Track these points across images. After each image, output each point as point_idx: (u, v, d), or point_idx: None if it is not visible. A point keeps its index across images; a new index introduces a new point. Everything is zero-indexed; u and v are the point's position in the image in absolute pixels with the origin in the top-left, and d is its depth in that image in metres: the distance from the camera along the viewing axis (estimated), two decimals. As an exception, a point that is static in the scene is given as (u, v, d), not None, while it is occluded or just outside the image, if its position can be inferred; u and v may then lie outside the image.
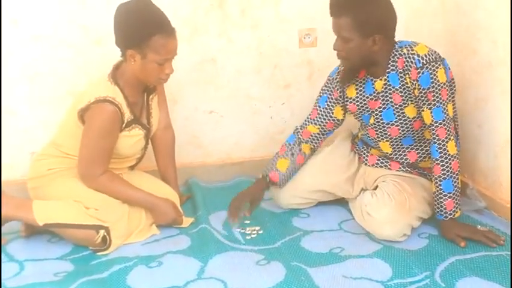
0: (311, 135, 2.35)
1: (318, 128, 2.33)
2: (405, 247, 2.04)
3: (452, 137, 2.05)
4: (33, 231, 2.24)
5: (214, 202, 2.49)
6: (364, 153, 2.37)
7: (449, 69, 2.12)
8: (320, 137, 2.36)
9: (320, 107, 2.32)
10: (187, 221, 2.33)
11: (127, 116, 2.17)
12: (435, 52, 2.07)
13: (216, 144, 2.85)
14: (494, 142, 2.24)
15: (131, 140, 2.22)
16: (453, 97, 2.13)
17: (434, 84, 2.02)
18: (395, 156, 2.25)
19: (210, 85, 2.77)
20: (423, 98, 2.04)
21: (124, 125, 2.17)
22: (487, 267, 1.88)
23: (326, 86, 2.33)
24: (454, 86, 2.15)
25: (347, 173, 2.36)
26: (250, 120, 2.85)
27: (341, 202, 2.41)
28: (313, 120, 2.34)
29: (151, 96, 2.32)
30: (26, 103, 2.62)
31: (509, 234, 2.08)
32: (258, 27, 2.74)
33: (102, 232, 2.10)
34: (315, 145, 2.38)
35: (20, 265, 2.06)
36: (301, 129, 2.37)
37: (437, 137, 2.04)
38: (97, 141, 2.12)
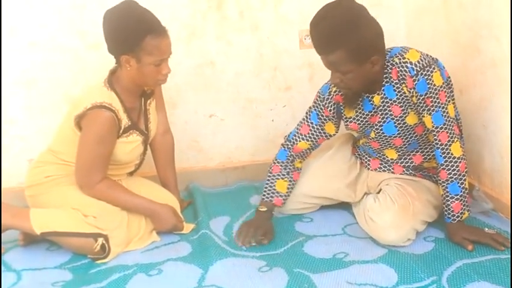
0: (302, 151, 2.30)
1: (310, 144, 2.28)
2: (411, 251, 2.00)
3: (455, 139, 2.00)
4: (31, 240, 2.21)
5: (216, 207, 2.46)
6: (366, 158, 2.33)
7: (444, 68, 2.07)
8: (311, 151, 2.32)
9: (312, 123, 2.25)
10: (188, 227, 2.29)
11: (124, 121, 2.14)
12: (427, 55, 2.01)
13: (217, 148, 2.82)
14: (500, 142, 2.20)
15: (129, 146, 2.19)
16: (452, 96, 2.09)
17: (431, 89, 1.96)
18: (399, 161, 2.21)
19: (210, 88, 2.74)
20: (422, 104, 1.99)
21: (121, 131, 2.14)
22: (495, 271, 1.83)
23: (316, 103, 2.24)
24: (452, 85, 2.10)
25: (348, 177, 2.32)
26: (251, 124, 2.82)
27: (345, 206, 2.36)
28: (305, 136, 2.27)
29: (148, 101, 2.29)
30: (24, 110, 2.61)
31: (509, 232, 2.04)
32: (258, 28, 2.71)
33: (101, 240, 2.07)
34: (306, 158, 2.35)
35: (17, 275, 2.03)
36: (291, 144, 2.29)
37: (439, 142, 2.00)
38: (94, 148, 2.09)
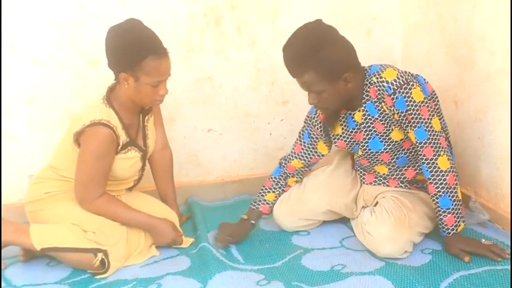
0: (296, 170, 2.36)
1: (303, 163, 2.34)
2: (408, 263, 2.00)
3: (442, 152, 2.00)
4: (32, 256, 2.22)
5: (215, 221, 2.46)
6: (361, 172, 2.34)
7: (427, 82, 2.09)
8: (305, 170, 2.38)
9: (304, 142, 2.31)
10: (187, 241, 2.30)
11: (123, 138, 2.16)
12: (405, 72, 2.03)
13: (216, 162, 2.83)
14: (496, 154, 2.21)
15: (127, 163, 2.21)
16: (437, 109, 2.10)
17: (410, 106, 1.97)
18: (392, 176, 2.23)
19: (208, 103, 2.76)
20: (404, 121, 2.01)
21: (119, 148, 2.15)
22: (492, 283, 1.84)
23: (306, 122, 2.31)
24: (437, 98, 2.12)
25: (352, 191, 2.34)
26: (249, 138, 2.84)
27: (342, 219, 2.37)
28: (298, 155, 2.33)
29: (146, 117, 2.31)
30: (24, 126, 2.61)
31: (510, 245, 2.05)
32: (255, 44, 2.74)
33: (100, 255, 2.07)
34: (300, 177, 2.39)
35: (17, 291, 2.03)
36: (285, 163, 2.35)
37: (424, 157, 2.01)
38: (92, 165, 2.10)
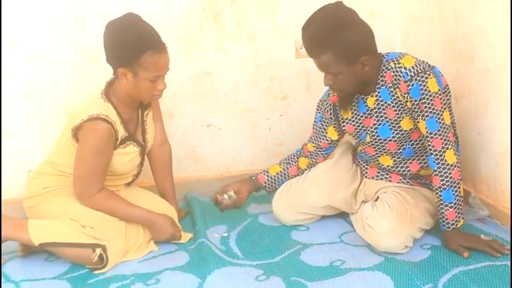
0: (309, 152, 2.38)
1: (314, 147, 2.35)
2: (407, 259, 2.00)
3: (450, 146, 2.01)
4: (30, 251, 2.22)
5: (213, 216, 2.46)
6: (363, 166, 2.34)
7: (442, 76, 2.09)
8: (317, 155, 2.38)
9: (316, 125, 2.34)
10: (185, 237, 2.30)
11: (121, 133, 2.15)
12: (423, 62, 2.03)
13: (215, 157, 2.83)
14: (496, 149, 2.21)
15: (126, 158, 2.20)
16: (449, 103, 2.10)
17: (425, 95, 1.98)
18: (396, 169, 2.22)
19: (207, 98, 2.75)
20: (416, 110, 2.01)
21: (118, 143, 2.15)
22: (491, 278, 1.84)
23: (319, 106, 2.33)
24: (449, 93, 2.12)
25: (352, 186, 2.33)
26: (248, 133, 2.83)
27: (341, 214, 2.37)
28: (312, 138, 2.37)
29: (145, 112, 2.30)
30: (23, 122, 2.61)
31: (509, 240, 2.05)
32: (254, 39, 2.73)
33: (99, 250, 2.07)
34: (313, 161, 2.39)
35: (16, 286, 2.03)
36: (304, 145, 2.40)
37: (433, 148, 2.01)
38: (91, 160, 2.10)
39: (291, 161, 2.39)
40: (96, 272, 2.08)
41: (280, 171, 2.38)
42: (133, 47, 2.02)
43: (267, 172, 2.38)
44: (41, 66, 2.57)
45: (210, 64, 2.72)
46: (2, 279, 2.07)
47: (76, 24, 2.55)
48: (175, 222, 2.30)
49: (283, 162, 2.40)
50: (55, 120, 2.55)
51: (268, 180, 2.37)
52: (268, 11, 2.72)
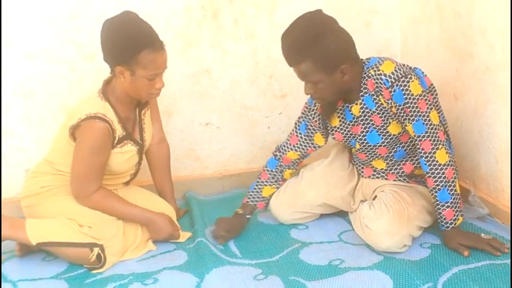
0: (291, 161, 2.33)
1: (298, 154, 2.32)
2: (407, 258, 1.99)
3: (440, 146, 1.99)
4: (28, 251, 2.21)
5: (212, 215, 2.45)
6: (359, 166, 2.32)
7: (425, 75, 2.08)
8: (300, 161, 2.36)
9: (300, 134, 2.29)
10: (184, 236, 2.29)
11: (119, 132, 2.14)
12: (403, 65, 2.02)
13: (213, 156, 2.82)
14: (495, 147, 2.20)
15: (123, 157, 2.19)
16: (436, 102, 2.09)
17: (408, 99, 1.96)
18: (390, 171, 2.21)
19: (206, 97, 2.74)
20: (402, 114, 2.00)
21: (115, 142, 2.14)
22: (491, 277, 1.83)
23: (304, 113, 2.28)
24: (435, 91, 2.11)
25: (349, 184, 2.32)
26: (247, 131, 2.82)
27: (340, 213, 2.36)
28: (294, 146, 2.30)
29: (143, 111, 2.29)
30: (21, 121, 2.60)
31: (509, 239, 2.04)
32: (253, 37, 2.72)
33: (96, 250, 2.06)
34: (296, 169, 2.38)
35: (13, 285, 2.02)
36: (281, 154, 2.32)
37: (423, 151, 2.00)
38: (88, 159, 2.09)
39: (278, 178, 2.34)
40: (94, 271, 2.07)
41: (274, 192, 2.35)
42: (131, 45, 2.01)
43: (263, 197, 2.32)
44: (39, 66, 2.56)
45: (208, 62, 2.71)
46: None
47: (73, 23, 2.54)
48: (174, 221, 2.29)
49: (271, 182, 2.33)
50: (53, 119, 2.54)
51: (266, 203, 2.34)
52: (266, 9, 2.70)
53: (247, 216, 2.30)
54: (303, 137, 2.28)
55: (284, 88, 2.80)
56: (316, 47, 1.91)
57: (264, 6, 2.70)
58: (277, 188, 2.34)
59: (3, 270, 2.13)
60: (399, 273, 1.90)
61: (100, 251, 2.06)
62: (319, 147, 2.31)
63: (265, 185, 2.33)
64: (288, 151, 2.31)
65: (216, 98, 2.75)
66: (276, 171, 2.34)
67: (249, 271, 1.99)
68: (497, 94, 2.14)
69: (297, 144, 2.30)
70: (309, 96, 2.16)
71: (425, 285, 1.82)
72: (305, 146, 2.29)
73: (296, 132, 2.30)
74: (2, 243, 2.16)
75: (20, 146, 2.62)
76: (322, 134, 2.27)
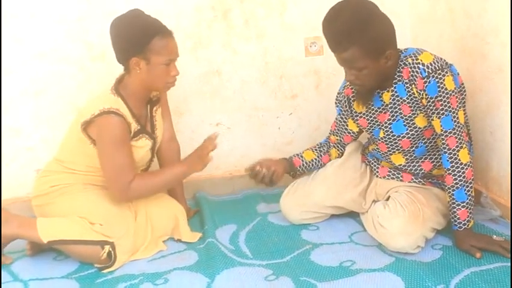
0: (335, 142, 2.38)
1: (337, 139, 2.36)
2: (419, 259, 1.98)
3: (464, 145, 1.98)
4: (39, 250, 2.22)
5: (222, 216, 2.46)
6: (375, 165, 2.32)
7: (458, 74, 2.06)
8: (342, 146, 2.37)
9: (337, 119, 2.34)
10: (195, 236, 2.29)
11: (134, 126, 2.15)
12: (441, 59, 2.00)
13: (224, 156, 2.81)
14: (507, 148, 2.18)
15: (139, 152, 2.20)
16: (463, 103, 2.08)
17: (441, 93, 1.96)
18: (408, 168, 2.19)
19: (216, 97, 2.74)
20: (431, 107, 1.99)
21: (131, 135, 2.14)
22: (503, 279, 1.81)
23: (337, 99, 2.32)
24: (464, 92, 2.10)
25: (360, 186, 2.31)
26: (258, 132, 2.82)
27: (351, 214, 2.35)
28: (333, 131, 2.37)
29: (154, 108, 2.30)
30: (31, 121, 2.62)
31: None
32: (263, 37, 2.72)
33: (107, 248, 2.07)
34: (342, 151, 2.38)
35: (24, 285, 2.03)
36: (328, 136, 2.40)
37: (447, 147, 1.99)
38: (115, 153, 2.09)
39: (323, 149, 2.38)
40: (105, 270, 2.07)
41: (315, 159, 2.37)
42: (142, 34, 2.06)
43: (302, 157, 2.36)
44: (49, 65, 2.57)
45: (218, 62, 2.71)
46: (11, 278, 2.07)
47: (82, 23, 2.56)
48: (200, 151, 2.23)
49: (316, 150, 2.38)
50: (63, 118, 2.55)
51: (303, 164, 2.35)
52: (277, 9, 2.70)
53: (289, 162, 2.34)
54: (339, 122, 2.33)
55: (295, 88, 2.79)
56: (365, 33, 1.89)
57: (275, 6, 2.70)
58: (318, 156, 2.37)
59: (14, 269, 2.13)
60: (411, 274, 1.88)
61: (110, 249, 2.07)
62: (353, 133, 2.32)
63: (309, 149, 2.39)
64: (330, 134, 2.38)
65: (226, 98, 2.75)
66: (325, 145, 2.40)
67: (260, 272, 1.99)
68: (509, 95, 2.13)
69: (335, 129, 2.35)
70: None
71: (437, 287, 1.80)
72: (342, 131, 2.32)
73: (336, 117, 2.34)
74: (13, 243, 2.16)
75: (31, 146, 2.63)
76: (354, 120, 2.27)
